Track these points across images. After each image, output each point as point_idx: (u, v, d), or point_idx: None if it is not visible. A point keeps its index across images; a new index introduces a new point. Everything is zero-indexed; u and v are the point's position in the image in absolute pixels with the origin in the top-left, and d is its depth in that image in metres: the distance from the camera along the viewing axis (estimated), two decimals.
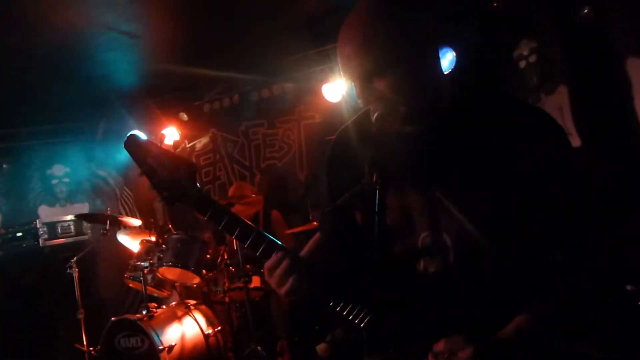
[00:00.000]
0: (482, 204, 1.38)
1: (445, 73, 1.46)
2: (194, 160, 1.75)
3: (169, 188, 1.55)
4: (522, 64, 4.34)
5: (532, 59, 4.26)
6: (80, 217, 5.45)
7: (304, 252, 1.75)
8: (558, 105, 4.14)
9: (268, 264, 1.50)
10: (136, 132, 1.56)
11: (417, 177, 1.47)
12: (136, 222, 4.93)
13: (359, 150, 1.42)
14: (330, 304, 1.48)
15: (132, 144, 1.55)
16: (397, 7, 1.33)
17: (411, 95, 1.36)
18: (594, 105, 3.86)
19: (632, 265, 3.43)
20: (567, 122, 4.07)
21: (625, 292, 3.15)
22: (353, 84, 1.39)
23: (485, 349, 1.32)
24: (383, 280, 1.31)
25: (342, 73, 1.38)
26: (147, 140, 1.56)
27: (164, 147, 1.60)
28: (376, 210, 1.27)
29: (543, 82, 4.23)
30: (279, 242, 1.53)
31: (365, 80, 1.35)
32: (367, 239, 1.35)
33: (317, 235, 1.79)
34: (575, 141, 4.02)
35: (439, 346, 1.36)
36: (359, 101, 1.40)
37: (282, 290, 1.48)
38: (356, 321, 1.46)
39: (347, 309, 1.47)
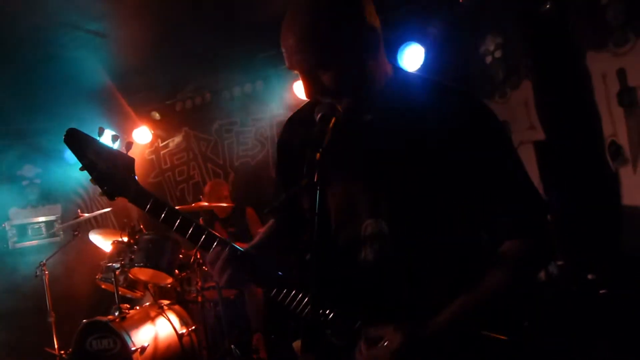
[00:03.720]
0: (416, 189, 1.41)
1: (385, 62, 1.48)
2: (130, 155, 1.76)
3: (109, 182, 1.58)
4: (488, 59, 4.40)
5: (498, 54, 4.32)
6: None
7: (257, 238, 1.78)
8: (523, 99, 4.21)
9: (209, 257, 1.54)
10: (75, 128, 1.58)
11: (360, 167, 1.50)
12: (105, 210, 4.90)
13: (303, 144, 1.42)
14: (272, 292, 1.53)
15: (72, 138, 1.56)
16: (332, 10, 1.32)
17: (354, 87, 1.39)
18: (557, 99, 3.94)
19: (594, 256, 3.51)
20: (532, 116, 4.14)
21: (587, 281, 3.22)
22: (298, 75, 1.40)
23: (414, 337, 1.35)
24: (324, 271, 1.33)
25: (287, 64, 1.39)
26: (87, 135, 1.58)
27: (103, 141, 1.61)
28: (316, 211, 1.27)
29: (508, 76, 4.30)
30: (217, 235, 1.56)
31: (309, 73, 1.36)
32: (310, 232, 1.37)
33: (271, 221, 1.82)
34: (540, 134, 4.10)
35: (371, 333, 1.39)
36: (303, 92, 1.41)
37: (222, 281, 1.52)
38: (298, 310, 1.50)
39: (289, 298, 1.51)
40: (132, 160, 1.61)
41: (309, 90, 1.39)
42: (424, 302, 1.41)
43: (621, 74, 3.42)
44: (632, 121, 3.39)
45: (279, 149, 1.72)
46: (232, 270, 1.51)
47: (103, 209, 5.08)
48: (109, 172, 1.57)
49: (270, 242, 1.75)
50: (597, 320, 3.14)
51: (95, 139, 1.60)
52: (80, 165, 1.59)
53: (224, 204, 4.93)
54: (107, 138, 1.64)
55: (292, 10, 1.35)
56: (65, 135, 1.56)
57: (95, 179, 1.59)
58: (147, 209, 1.57)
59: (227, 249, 1.52)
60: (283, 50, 1.36)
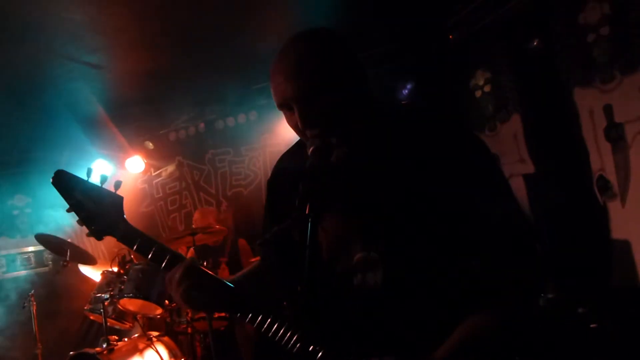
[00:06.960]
0: (408, 223, 1.42)
1: (374, 98, 1.50)
2: (119, 194, 1.77)
3: (97, 221, 1.57)
4: (478, 93, 4.49)
5: (487, 88, 4.41)
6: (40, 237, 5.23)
7: (241, 272, 1.77)
8: (513, 132, 4.28)
9: (169, 275, 1.52)
10: (63, 169, 1.58)
11: (351, 201, 1.51)
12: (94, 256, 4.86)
13: (294, 180, 1.42)
14: (238, 314, 1.50)
15: (59, 180, 1.56)
16: (324, 44, 1.39)
17: (343, 120, 1.40)
18: (546, 133, 4.00)
19: (585, 289, 3.52)
20: (522, 149, 4.21)
21: (577, 314, 3.22)
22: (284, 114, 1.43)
23: None
24: (315, 305, 1.32)
25: (275, 101, 1.42)
26: (75, 176, 1.58)
27: (91, 181, 1.60)
28: (307, 244, 1.27)
29: (498, 110, 4.38)
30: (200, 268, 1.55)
31: (287, 109, 1.40)
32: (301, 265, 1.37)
33: (257, 259, 1.81)
34: (529, 167, 4.15)
35: None
36: (292, 125, 1.43)
37: (176, 297, 1.50)
38: (284, 342, 1.46)
39: (272, 329, 1.47)
40: (120, 198, 1.60)
41: (291, 124, 1.42)
42: (417, 338, 1.41)
43: (608, 110, 3.49)
44: (619, 156, 3.45)
45: (270, 187, 1.74)
46: (184, 288, 1.47)
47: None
48: (97, 211, 1.56)
49: (254, 275, 1.75)
50: (588, 354, 3.13)
51: (83, 179, 1.59)
52: (67, 206, 1.58)
53: (212, 227, 4.89)
54: (96, 177, 1.63)
55: (284, 47, 1.40)
56: (52, 178, 1.56)
57: (83, 219, 1.57)
58: (135, 248, 1.56)
59: (189, 262, 1.51)
60: (272, 88, 1.39)
